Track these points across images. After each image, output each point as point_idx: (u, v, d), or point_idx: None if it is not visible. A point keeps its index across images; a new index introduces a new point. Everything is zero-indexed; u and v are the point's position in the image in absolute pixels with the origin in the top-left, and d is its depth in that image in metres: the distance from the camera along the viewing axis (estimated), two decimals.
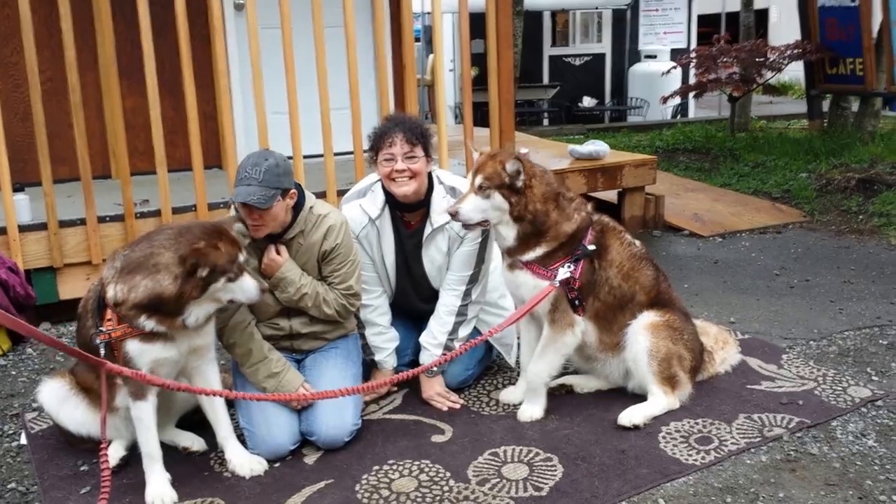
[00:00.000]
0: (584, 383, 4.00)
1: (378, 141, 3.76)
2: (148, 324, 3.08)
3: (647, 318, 3.71)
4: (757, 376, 4.06)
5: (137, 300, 3.04)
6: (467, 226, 3.62)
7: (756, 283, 5.71)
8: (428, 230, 3.86)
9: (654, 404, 3.67)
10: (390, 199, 3.85)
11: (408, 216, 3.92)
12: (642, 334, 3.68)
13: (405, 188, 3.75)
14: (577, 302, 3.63)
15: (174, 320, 3.10)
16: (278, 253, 3.54)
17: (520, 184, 3.50)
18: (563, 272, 3.56)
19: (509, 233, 3.59)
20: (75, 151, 5.13)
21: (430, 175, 3.89)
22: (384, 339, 4.01)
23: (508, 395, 3.96)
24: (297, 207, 3.57)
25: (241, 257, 3.19)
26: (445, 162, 5.97)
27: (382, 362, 4.03)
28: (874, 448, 3.36)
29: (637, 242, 3.84)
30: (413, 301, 4.10)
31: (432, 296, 4.03)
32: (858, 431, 3.50)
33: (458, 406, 3.92)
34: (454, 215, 3.56)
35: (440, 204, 3.85)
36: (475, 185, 3.54)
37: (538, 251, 3.59)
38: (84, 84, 5.22)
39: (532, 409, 3.73)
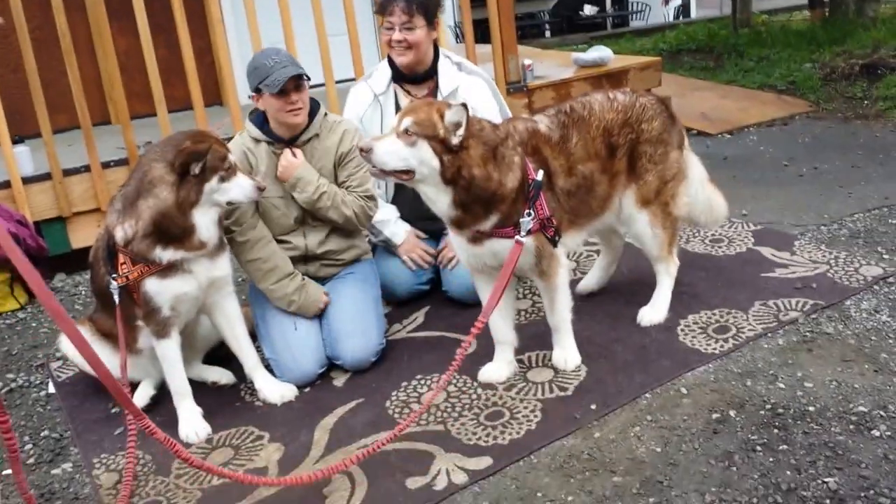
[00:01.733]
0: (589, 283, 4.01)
1: (381, 7, 3.80)
2: (165, 254, 3.10)
3: (632, 193, 3.50)
4: (770, 264, 4.09)
5: (145, 227, 3.06)
6: (381, 172, 2.99)
7: (766, 175, 5.71)
8: (438, 99, 3.85)
9: (663, 289, 3.69)
10: (396, 71, 3.89)
11: (413, 90, 3.94)
12: (637, 214, 3.53)
13: (402, 58, 3.82)
14: (557, 237, 3.22)
15: (190, 240, 3.12)
16: (294, 156, 3.54)
17: (456, 140, 2.91)
18: (526, 223, 3.05)
19: (441, 198, 3.02)
20: (71, 99, 5.10)
21: (436, 47, 3.90)
22: (382, 213, 3.97)
23: (490, 374, 3.40)
24: (312, 114, 3.60)
25: (231, 158, 3.20)
26: None
27: (395, 234, 4.04)
28: (888, 323, 3.41)
29: (552, 113, 3.38)
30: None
31: None
32: (872, 308, 3.54)
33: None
34: (365, 151, 2.95)
35: (447, 74, 3.89)
36: (400, 128, 2.93)
37: (493, 219, 3.07)
38: (73, 29, 5.15)
39: (567, 354, 3.39)
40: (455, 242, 3.26)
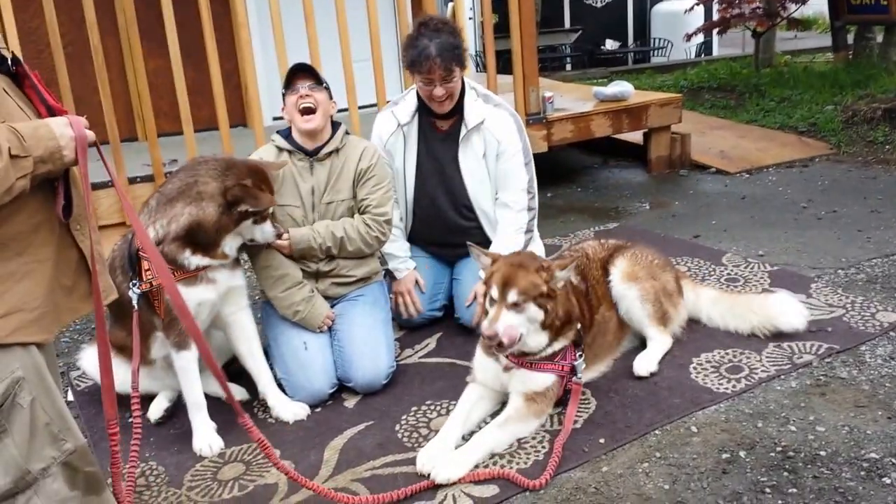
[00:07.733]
0: None
1: (414, 64, 3.82)
2: (193, 259, 3.19)
3: (621, 268, 3.69)
4: None
5: (179, 230, 3.15)
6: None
7: (784, 217, 5.71)
8: (463, 132, 3.96)
9: (655, 346, 3.66)
10: (422, 103, 3.98)
11: (440, 122, 4.03)
12: (627, 288, 3.65)
13: (442, 108, 3.92)
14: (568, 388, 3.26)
15: (215, 252, 3.24)
16: (280, 237, 3.56)
17: (560, 285, 3.14)
18: (580, 365, 3.24)
19: (539, 340, 3.15)
20: (100, 115, 5.14)
21: (462, 80, 3.99)
22: (395, 247, 4.15)
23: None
24: (334, 129, 3.75)
25: (272, 209, 3.37)
26: None
27: (398, 269, 4.17)
28: None
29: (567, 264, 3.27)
30: (445, 219, 4.14)
31: (460, 225, 4.10)
32: (887, 355, 3.53)
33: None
34: (492, 338, 2.99)
35: (473, 107, 3.96)
36: (507, 302, 3.03)
37: (551, 349, 3.20)
38: (105, 47, 5.24)
39: (451, 470, 2.92)
40: (479, 363, 3.34)
